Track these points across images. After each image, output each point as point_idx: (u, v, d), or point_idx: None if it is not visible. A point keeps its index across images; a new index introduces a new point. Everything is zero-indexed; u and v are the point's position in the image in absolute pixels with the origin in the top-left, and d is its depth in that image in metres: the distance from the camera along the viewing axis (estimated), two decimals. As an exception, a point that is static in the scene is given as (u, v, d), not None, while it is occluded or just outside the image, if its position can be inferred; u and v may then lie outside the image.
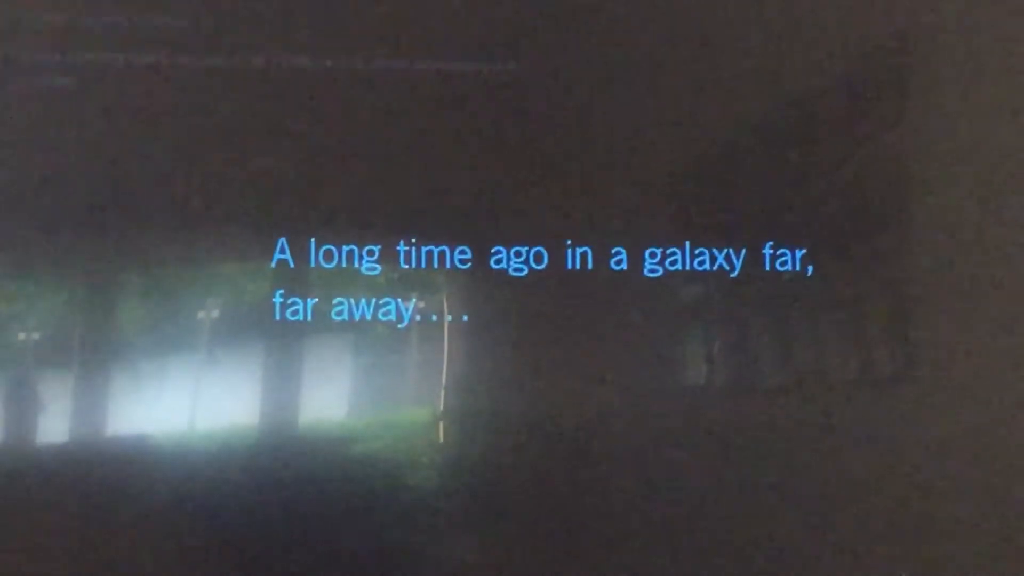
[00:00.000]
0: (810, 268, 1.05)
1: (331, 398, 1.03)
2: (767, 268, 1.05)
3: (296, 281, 1.02)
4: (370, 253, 1.03)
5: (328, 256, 1.03)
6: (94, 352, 1.02)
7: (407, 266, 1.04)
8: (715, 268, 1.04)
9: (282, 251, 1.02)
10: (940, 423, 1.04)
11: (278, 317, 1.02)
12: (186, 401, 1.02)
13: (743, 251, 1.04)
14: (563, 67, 1.05)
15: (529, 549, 1.02)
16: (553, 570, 1.02)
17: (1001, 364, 1.05)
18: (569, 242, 1.02)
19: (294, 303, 1.02)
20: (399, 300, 1.03)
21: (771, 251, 1.05)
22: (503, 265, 1.03)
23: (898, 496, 1.03)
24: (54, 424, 1.02)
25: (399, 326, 1.03)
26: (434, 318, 1.03)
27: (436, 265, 1.03)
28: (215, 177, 1.03)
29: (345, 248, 1.03)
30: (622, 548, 1.02)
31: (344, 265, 1.03)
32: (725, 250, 1.04)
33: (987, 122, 1.07)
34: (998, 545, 1.03)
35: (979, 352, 1.05)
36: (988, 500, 1.04)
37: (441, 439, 1.02)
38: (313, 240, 1.02)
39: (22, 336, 1.02)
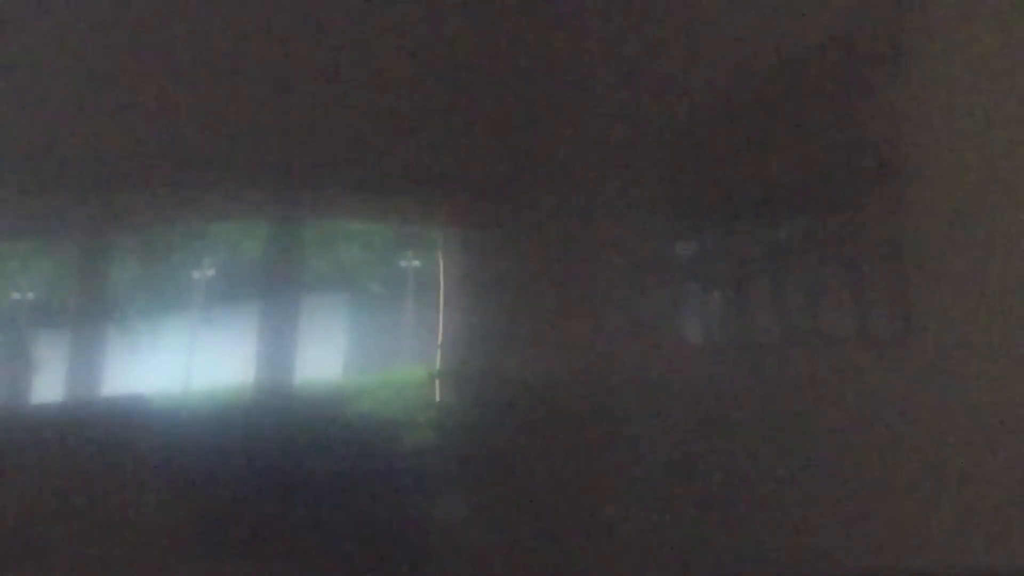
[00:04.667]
0: (807, 227, 1.05)
1: (326, 357, 1.02)
2: (764, 226, 1.05)
3: (291, 239, 1.02)
4: (365, 210, 1.03)
5: (323, 214, 1.03)
6: (88, 312, 1.02)
7: (403, 223, 1.03)
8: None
9: (277, 209, 1.02)
10: (938, 383, 1.04)
11: (273, 275, 1.01)
12: (180, 360, 1.01)
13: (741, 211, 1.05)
14: (557, 28, 1.05)
15: (527, 507, 1.02)
16: (551, 528, 1.02)
17: (999, 324, 1.05)
18: (566, 199, 1.02)
19: (288, 261, 1.02)
20: (395, 257, 1.02)
21: (768, 209, 1.05)
22: (500, 222, 1.02)
23: (892, 455, 1.03)
24: (48, 384, 1.01)
25: (394, 284, 1.03)
26: (430, 275, 1.02)
27: (432, 222, 1.03)
28: (208, 135, 1.02)
29: (340, 205, 1.03)
30: (620, 505, 1.01)
31: (339, 222, 1.03)
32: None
33: (985, 79, 1.07)
34: (993, 506, 1.02)
35: (977, 312, 1.05)
36: (984, 460, 1.03)
37: (438, 397, 1.02)
38: (308, 198, 1.02)
39: (16, 296, 1.02)
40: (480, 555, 1.01)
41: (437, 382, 1.02)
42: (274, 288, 1.02)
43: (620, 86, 1.04)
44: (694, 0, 1.06)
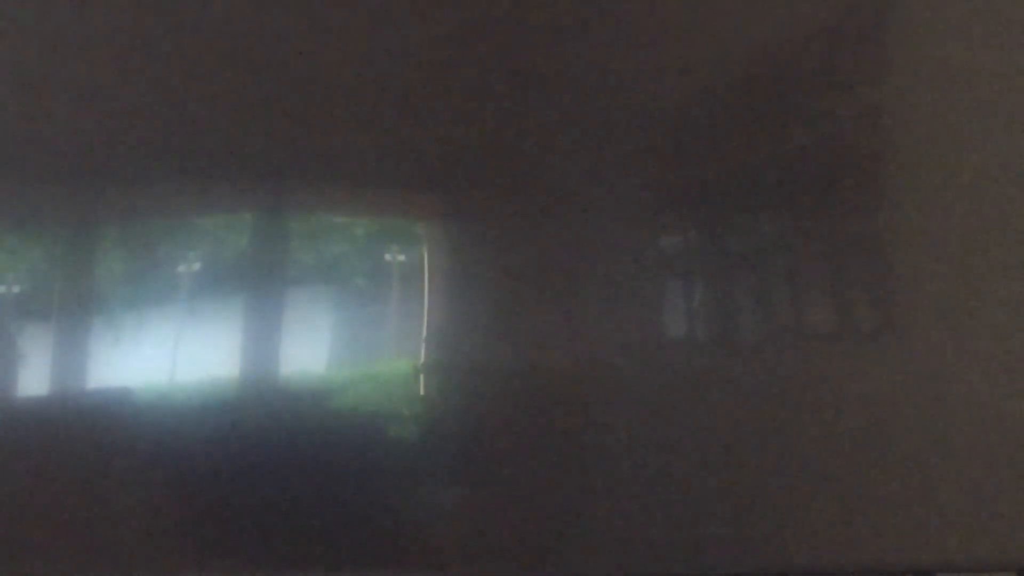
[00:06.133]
0: (790, 223, 1.05)
1: (310, 350, 1.02)
2: (748, 222, 1.05)
3: (276, 233, 1.02)
4: (350, 204, 1.03)
5: (307, 207, 1.03)
6: (72, 305, 1.02)
7: (387, 216, 1.03)
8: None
9: (262, 202, 1.02)
10: (920, 377, 1.04)
11: (257, 269, 1.02)
12: (164, 354, 1.01)
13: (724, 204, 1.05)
14: (539, 23, 1.06)
15: (511, 500, 1.02)
16: (536, 522, 1.02)
17: (981, 318, 1.05)
18: (551, 193, 1.02)
19: (273, 255, 1.02)
20: (379, 251, 1.02)
21: (752, 205, 1.05)
22: (484, 216, 1.02)
23: (876, 451, 1.03)
24: (33, 377, 1.01)
25: (379, 277, 1.03)
26: (414, 269, 1.03)
27: (417, 215, 1.03)
28: (192, 128, 1.03)
29: (324, 199, 1.03)
30: (604, 498, 1.02)
31: (323, 216, 1.03)
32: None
33: (968, 76, 1.07)
34: (975, 498, 1.02)
35: (959, 307, 1.05)
36: (965, 454, 1.03)
37: (422, 391, 1.02)
38: (292, 191, 1.02)
39: (1, 289, 1.02)
40: (465, 547, 1.02)
41: (421, 376, 1.02)
42: (259, 282, 1.02)
43: (603, 82, 1.04)
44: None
